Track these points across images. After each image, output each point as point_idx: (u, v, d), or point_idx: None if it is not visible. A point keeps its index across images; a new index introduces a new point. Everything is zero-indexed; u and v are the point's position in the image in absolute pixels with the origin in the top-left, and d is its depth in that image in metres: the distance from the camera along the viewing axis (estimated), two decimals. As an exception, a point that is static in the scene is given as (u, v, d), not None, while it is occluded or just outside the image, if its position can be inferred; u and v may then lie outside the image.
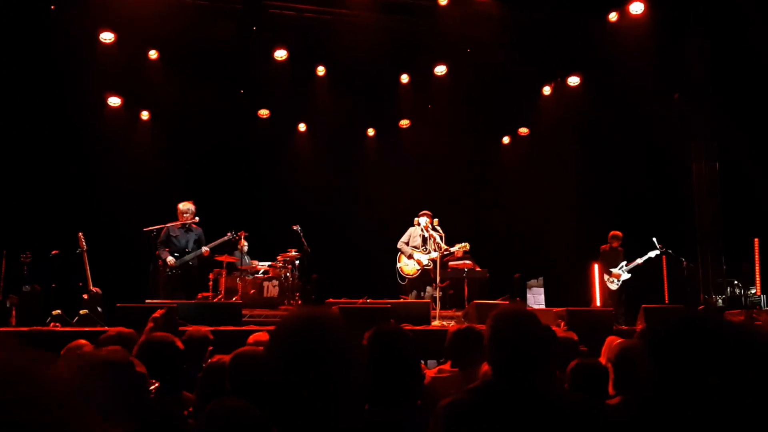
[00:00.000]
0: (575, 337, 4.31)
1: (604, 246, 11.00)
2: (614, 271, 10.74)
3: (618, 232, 10.91)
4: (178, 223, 9.17)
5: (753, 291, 11.14)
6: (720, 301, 11.57)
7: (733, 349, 1.29)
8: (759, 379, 1.26)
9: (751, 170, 11.49)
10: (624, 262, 10.71)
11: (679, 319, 1.39)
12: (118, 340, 3.46)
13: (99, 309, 8.52)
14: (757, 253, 11.17)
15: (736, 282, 11.55)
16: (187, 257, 9.03)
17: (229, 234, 9.47)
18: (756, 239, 11.22)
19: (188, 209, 9.22)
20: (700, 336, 1.32)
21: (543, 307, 11.77)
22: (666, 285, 11.22)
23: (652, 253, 10.57)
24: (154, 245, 9.08)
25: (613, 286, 10.76)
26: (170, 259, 8.93)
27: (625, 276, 10.68)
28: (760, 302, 10.81)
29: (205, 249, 9.12)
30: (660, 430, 1.31)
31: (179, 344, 3.25)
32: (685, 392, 1.27)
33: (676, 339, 1.34)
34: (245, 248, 11.21)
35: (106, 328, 6.16)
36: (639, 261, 10.63)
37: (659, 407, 1.30)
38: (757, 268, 11.11)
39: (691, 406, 1.26)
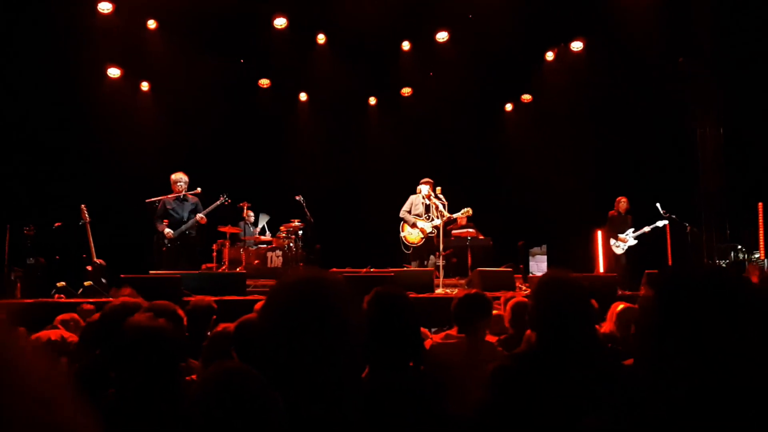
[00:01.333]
0: (596, 305, 4.29)
1: (611, 212, 10.99)
2: (621, 235, 10.74)
3: (624, 198, 10.91)
4: (173, 195, 9.13)
5: (757, 255, 11.13)
6: (723, 266, 11.57)
7: (753, 310, 1.18)
8: None
9: (756, 135, 11.41)
10: (631, 229, 10.70)
11: (693, 275, 1.26)
12: (123, 310, 3.46)
13: (103, 280, 8.58)
14: (761, 218, 11.14)
15: (739, 247, 11.54)
16: (183, 227, 9.01)
17: (222, 197, 9.40)
18: (760, 204, 11.19)
19: (180, 179, 9.17)
20: (717, 294, 1.20)
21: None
22: (669, 250, 11.21)
23: (661, 223, 10.56)
24: (153, 219, 9.09)
25: (619, 251, 10.76)
26: (167, 231, 8.91)
27: (632, 242, 10.67)
28: (764, 267, 10.80)
29: (200, 216, 9.05)
30: (668, 396, 1.21)
31: (180, 313, 3.29)
32: (696, 357, 1.17)
33: (690, 297, 1.21)
34: (251, 218, 11.22)
35: (110, 299, 6.18)
36: (647, 229, 10.62)
37: (668, 373, 1.20)
38: (761, 232, 11.10)
39: (703, 371, 1.16)
